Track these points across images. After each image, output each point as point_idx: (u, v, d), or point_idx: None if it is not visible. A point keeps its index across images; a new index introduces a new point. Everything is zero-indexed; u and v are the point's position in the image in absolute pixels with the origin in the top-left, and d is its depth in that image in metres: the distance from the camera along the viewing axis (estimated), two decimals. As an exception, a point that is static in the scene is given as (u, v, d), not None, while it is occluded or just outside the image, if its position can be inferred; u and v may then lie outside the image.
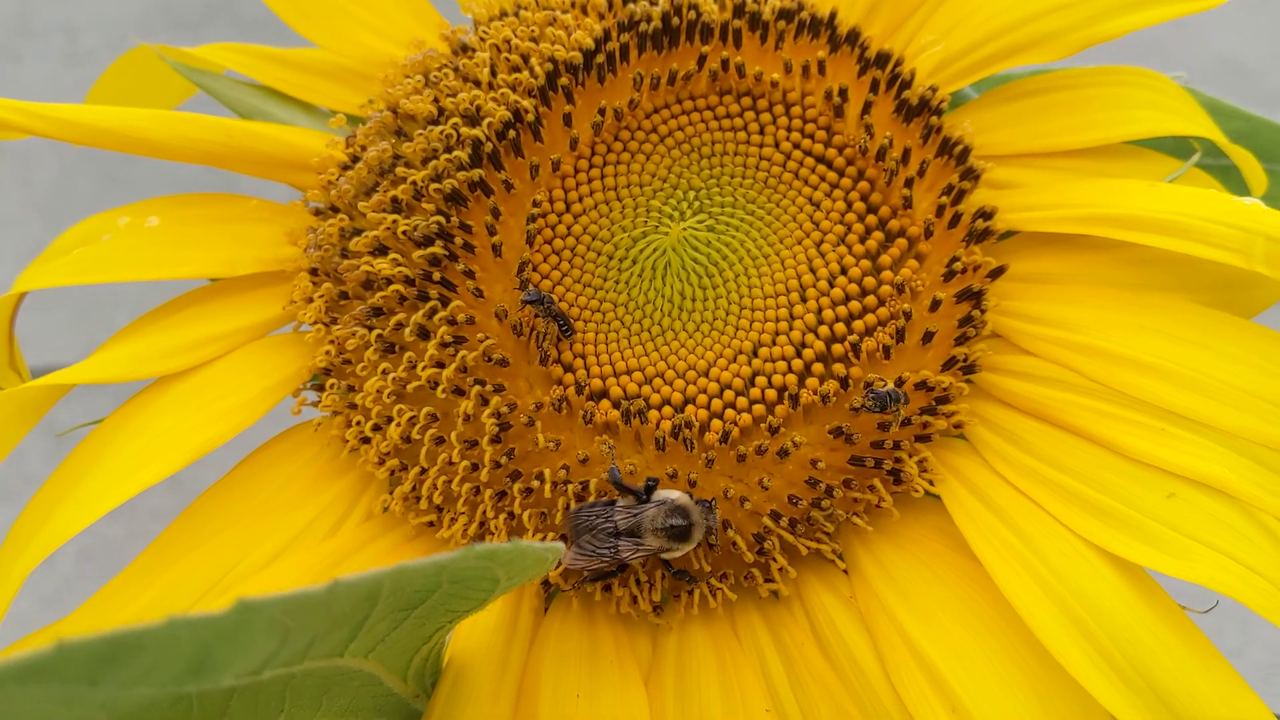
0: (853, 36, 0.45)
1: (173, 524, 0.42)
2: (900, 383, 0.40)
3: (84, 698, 0.23)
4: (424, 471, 0.41)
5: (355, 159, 0.45)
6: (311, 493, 0.43)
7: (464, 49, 0.45)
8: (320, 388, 0.44)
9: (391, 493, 0.42)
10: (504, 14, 0.46)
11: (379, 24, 0.49)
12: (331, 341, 0.43)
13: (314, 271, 0.44)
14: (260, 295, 0.46)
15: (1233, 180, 0.62)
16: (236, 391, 0.43)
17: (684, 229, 0.43)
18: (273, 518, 0.42)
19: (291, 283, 0.45)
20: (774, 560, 0.40)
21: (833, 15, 0.45)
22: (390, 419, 0.41)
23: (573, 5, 0.46)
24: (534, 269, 0.42)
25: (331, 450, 0.43)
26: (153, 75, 0.50)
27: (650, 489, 0.39)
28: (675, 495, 0.39)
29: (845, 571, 0.41)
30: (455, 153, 0.42)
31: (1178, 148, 0.48)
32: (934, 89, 0.44)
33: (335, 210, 0.45)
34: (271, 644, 0.25)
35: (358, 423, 0.42)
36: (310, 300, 0.44)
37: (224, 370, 0.43)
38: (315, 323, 0.43)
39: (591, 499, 0.39)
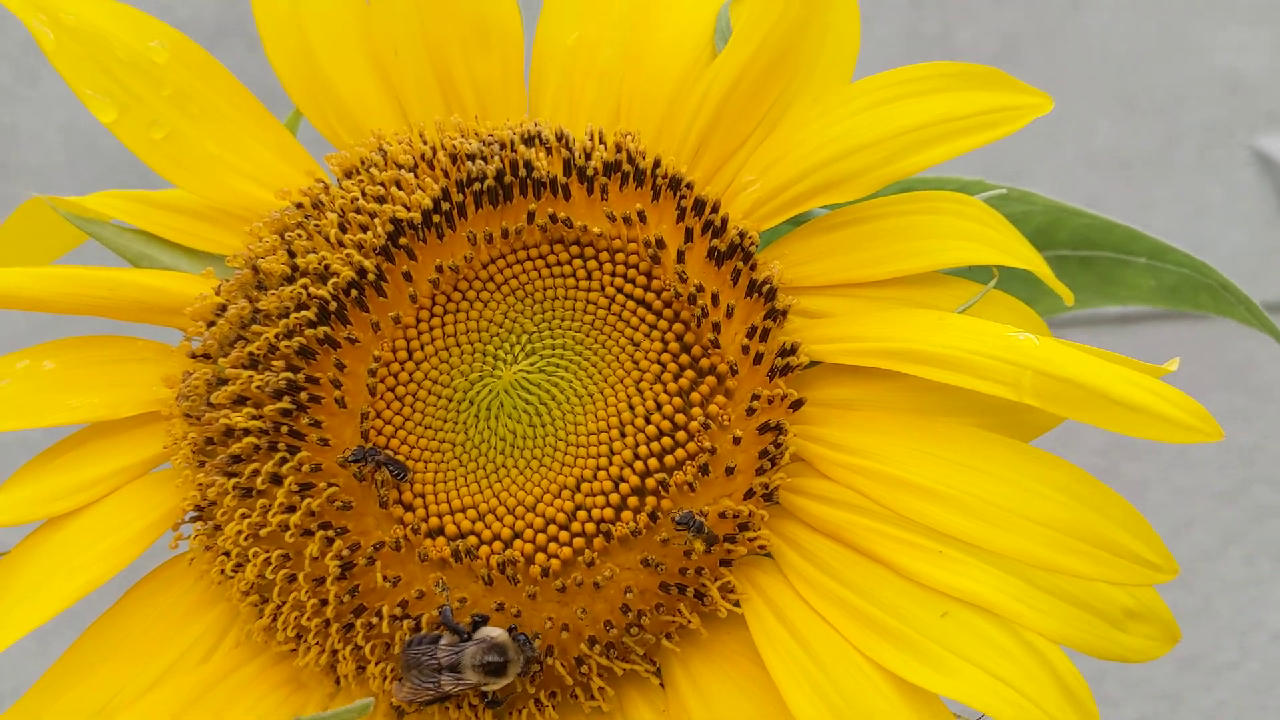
0: (674, 183, 0.49)
1: (64, 653, 0.47)
2: (703, 514, 0.45)
3: None
4: (279, 607, 0.45)
5: (223, 309, 0.49)
6: (187, 622, 0.47)
7: (319, 205, 0.50)
8: (196, 519, 0.49)
9: (254, 622, 0.46)
10: (357, 169, 0.50)
11: (252, 170, 0.53)
12: (198, 485, 0.47)
13: (186, 416, 0.49)
14: (142, 434, 0.50)
15: (1092, 270, 0.66)
16: (119, 531, 0.47)
17: (516, 371, 0.47)
18: (153, 648, 0.47)
19: (168, 423, 0.50)
20: (593, 681, 0.44)
21: (656, 164, 0.49)
22: (247, 559, 0.46)
23: (420, 160, 0.50)
24: (377, 415, 0.46)
25: (204, 582, 0.48)
26: (49, 223, 0.54)
27: (476, 625, 0.43)
28: (496, 633, 0.43)
29: (663, 686, 0.45)
30: (305, 311, 0.46)
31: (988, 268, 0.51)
32: (743, 234, 0.48)
33: (207, 357, 0.49)
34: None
35: (221, 561, 0.47)
36: (180, 444, 0.48)
37: (107, 510, 0.48)
38: (184, 467, 0.48)
39: (423, 631, 0.44)
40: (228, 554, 0.46)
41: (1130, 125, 1.86)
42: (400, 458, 0.46)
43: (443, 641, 0.43)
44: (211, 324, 0.49)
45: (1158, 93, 1.86)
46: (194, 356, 0.50)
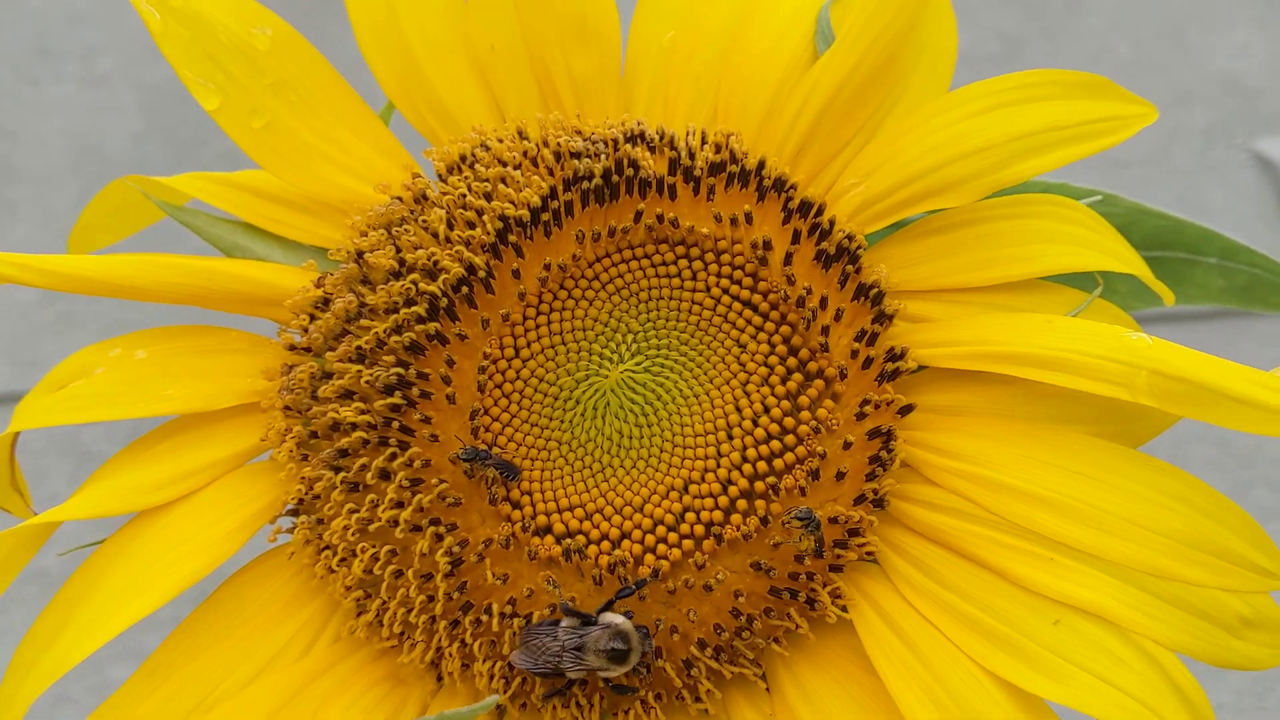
0: (779, 184, 0.49)
1: (165, 642, 0.47)
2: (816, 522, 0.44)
3: None
4: (385, 603, 0.45)
5: (327, 303, 0.49)
6: (286, 615, 0.47)
7: (424, 200, 0.49)
8: (296, 513, 0.48)
9: (357, 618, 0.46)
10: (460, 164, 0.50)
11: (349, 163, 0.53)
12: (302, 479, 0.47)
13: (288, 409, 0.48)
14: (238, 425, 0.50)
15: (1164, 270, 0.66)
16: (218, 523, 0.47)
17: (622, 371, 0.47)
18: (253, 639, 0.46)
19: (266, 416, 0.49)
20: (701, 684, 0.44)
21: (761, 165, 0.49)
22: (354, 554, 0.45)
23: (524, 156, 0.50)
24: (485, 413, 0.46)
25: (304, 575, 0.48)
26: (132, 201, 0.54)
27: (602, 611, 0.43)
28: (620, 620, 0.43)
29: (769, 690, 0.45)
30: (414, 307, 0.46)
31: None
32: (850, 236, 0.48)
33: (308, 351, 0.49)
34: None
35: (326, 556, 0.46)
36: (283, 439, 0.48)
37: (206, 502, 0.48)
38: (287, 461, 0.47)
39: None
40: (333, 548, 0.46)
41: (1130, 128, 1.86)
42: (508, 456, 0.46)
43: (564, 624, 0.42)
44: (313, 317, 0.49)
45: (1157, 95, 1.87)
46: (294, 349, 0.50)
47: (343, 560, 0.46)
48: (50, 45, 1.84)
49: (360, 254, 0.49)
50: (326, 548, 0.47)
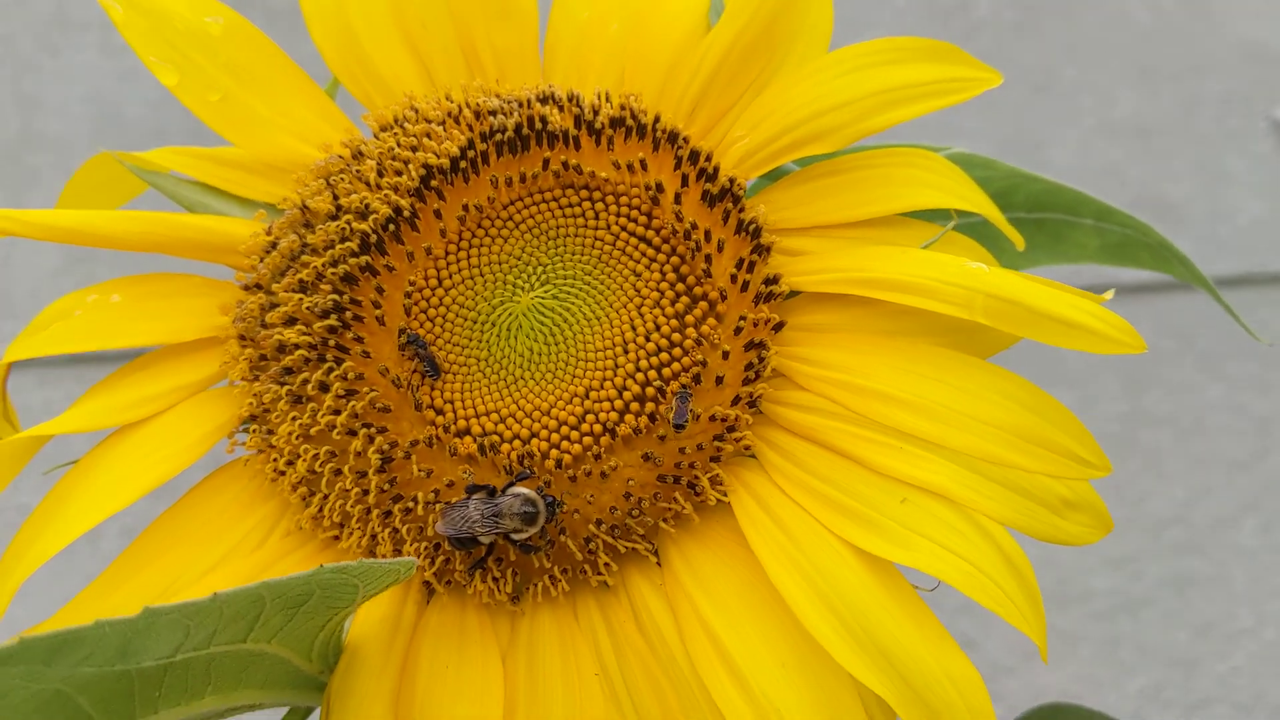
0: (672, 136, 0.56)
1: (132, 544, 0.54)
2: (696, 416, 0.51)
3: (44, 675, 0.34)
4: (325, 497, 0.52)
5: (274, 245, 0.56)
6: (243, 515, 0.54)
7: (359, 154, 0.57)
8: (248, 430, 0.55)
9: (303, 512, 0.53)
10: (392, 124, 0.57)
11: (297, 129, 0.60)
12: (254, 395, 0.54)
13: (241, 338, 0.55)
14: (200, 357, 0.57)
15: (1045, 231, 0.73)
16: (182, 436, 0.54)
17: (532, 298, 0.54)
18: (212, 537, 0.53)
19: (224, 346, 0.56)
20: (600, 557, 0.51)
21: (656, 119, 0.56)
22: (298, 456, 0.52)
23: (448, 116, 0.57)
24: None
25: (258, 481, 0.54)
26: (112, 176, 0.61)
27: (507, 487, 0.50)
28: (526, 490, 0.50)
29: (660, 564, 0.52)
30: (348, 243, 0.53)
31: (946, 214, 0.58)
32: (733, 180, 0.55)
33: (259, 287, 0.56)
34: (178, 636, 0.36)
35: (275, 459, 0.53)
36: (237, 362, 0.55)
37: (172, 419, 0.55)
38: (241, 380, 0.54)
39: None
40: (280, 451, 0.53)
41: (1150, 95, 1.85)
42: (437, 359, 0.52)
43: (473, 500, 0.49)
44: (263, 258, 0.56)
45: (1177, 63, 1.86)
46: (246, 289, 0.57)
47: (289, 462, 0.53)
48: (70, 14, 1.87)
49: (303, 201, 0.56)
50: (275, 453, 0.53)
